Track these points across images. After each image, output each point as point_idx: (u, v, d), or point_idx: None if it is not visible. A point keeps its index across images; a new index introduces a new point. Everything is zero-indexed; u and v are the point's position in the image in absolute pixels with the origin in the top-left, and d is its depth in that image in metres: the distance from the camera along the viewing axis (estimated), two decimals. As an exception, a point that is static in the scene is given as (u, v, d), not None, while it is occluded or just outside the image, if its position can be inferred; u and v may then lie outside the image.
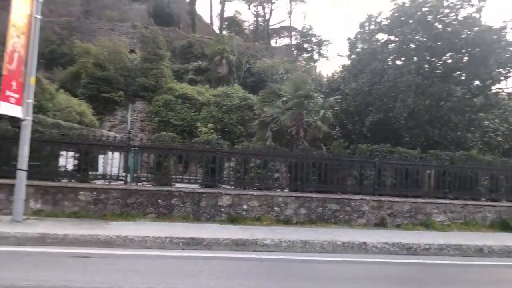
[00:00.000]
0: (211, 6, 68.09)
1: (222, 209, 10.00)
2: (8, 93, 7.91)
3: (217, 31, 52.19)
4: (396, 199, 10.93)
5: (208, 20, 54.83)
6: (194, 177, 10.59)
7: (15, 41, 8.10)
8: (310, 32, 52.84)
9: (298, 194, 10.50)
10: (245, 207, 10.14)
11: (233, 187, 10.71)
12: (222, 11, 55.74)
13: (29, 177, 8.56)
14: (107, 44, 31.19)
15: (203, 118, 29.84)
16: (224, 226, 9.15)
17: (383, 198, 10.82)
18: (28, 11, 8.48)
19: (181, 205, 9.84)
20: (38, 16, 8.70)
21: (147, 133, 28.93)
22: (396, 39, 18.05)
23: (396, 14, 17.64)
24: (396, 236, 9.00)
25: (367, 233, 9.40)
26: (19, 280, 4.91)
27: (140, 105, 30.81)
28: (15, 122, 9.66)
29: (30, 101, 8.56)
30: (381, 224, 10.57)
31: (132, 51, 28.51)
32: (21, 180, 8.30)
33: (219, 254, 7.15)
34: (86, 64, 29.91)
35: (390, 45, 18.44)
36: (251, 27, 60.15)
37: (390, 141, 14.94)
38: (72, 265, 5.92)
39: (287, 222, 10.08)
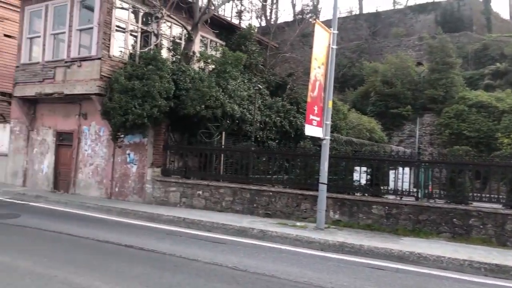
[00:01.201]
0: (511, -1, 59.21)
1: (535, 236, 8.42)
2: (311, 117, 9.22)
3: (520, 26, 44.75)
4: None
5: (507, 16, 47.81)
6: (496, 196, 9.35)
7: (317, 71, 9.39)
8: None
9: None
10: None
11: (549, 210, 8.88)
12: (526, 1, 47.51)
13: (328, 190, 9.62)
14: (393, 60, 31.71)
15: (504, 128, 25.99)
16: (539, 256, 7.68)
17: None
18: (327, 43, 9.69)
19: (481, 226, 8.86)
20: (334, 46, 9.81)
21: (436, 147, 27.56)
22: None
23: None
24: None
25: None
26: (324, 282, 5.57)
27: (428, 118, 29.71)
28: (315, 141, 11.18)
29: (328, 122, 9.68)
30: None
31: (419, 63, 27.94)
32: (323, 192, 9.43)
33: (533, 289, 6.05)
34: (374, 82, 31.31)
35: None
36: None
37: None
38: (367, 275, 6.25)
39: None
